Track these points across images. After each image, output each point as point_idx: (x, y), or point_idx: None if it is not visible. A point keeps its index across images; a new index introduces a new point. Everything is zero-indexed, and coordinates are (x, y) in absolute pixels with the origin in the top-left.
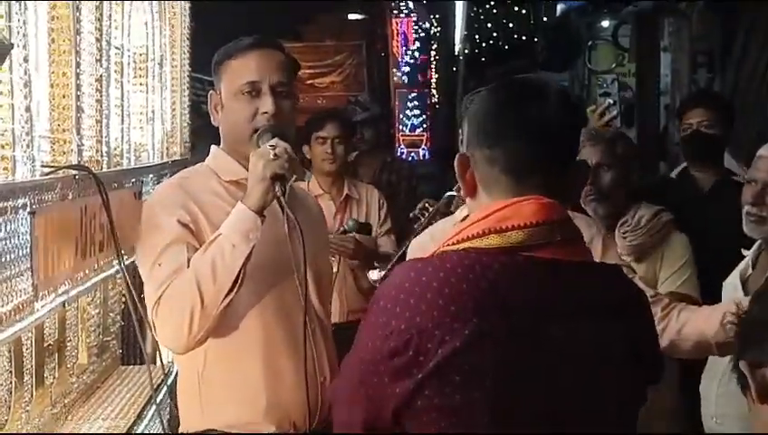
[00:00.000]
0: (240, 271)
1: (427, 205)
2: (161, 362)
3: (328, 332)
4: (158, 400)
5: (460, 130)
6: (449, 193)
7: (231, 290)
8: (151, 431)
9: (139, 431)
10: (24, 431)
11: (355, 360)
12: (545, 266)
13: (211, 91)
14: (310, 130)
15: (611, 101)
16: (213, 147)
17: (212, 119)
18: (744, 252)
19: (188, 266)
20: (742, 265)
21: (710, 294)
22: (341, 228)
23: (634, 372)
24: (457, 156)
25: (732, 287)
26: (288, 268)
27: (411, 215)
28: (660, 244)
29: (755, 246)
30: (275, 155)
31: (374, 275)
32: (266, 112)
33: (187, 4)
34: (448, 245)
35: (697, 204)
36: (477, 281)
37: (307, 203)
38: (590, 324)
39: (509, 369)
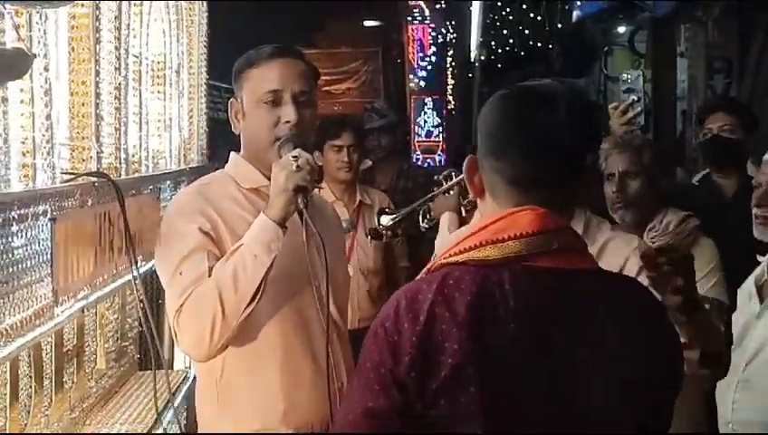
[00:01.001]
0: (262, 281)
1: (453, 174)
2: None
3: (345, 338)
4: (175, 404)
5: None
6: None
7: (252, 300)
8: None
9: None
10: None
11: (358, 389)
12: (543, 275)
13: (231, 99)
14: (323, 137)
15: (635, 98)
16: (232, 154)
17: (232, 127)
18: (760, 258)
19: (209, 275)
20: (757, 270)
21: (733, 301)
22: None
23: (645, 377)
24: (467, 159)
25: (747, 294)
26: (307, 277)
27: (435, 178)
28: (687, 249)
29: None
30: (298, 166)
31: (385, 220)
32: (288, 121)
33: (205, 13)
34: (447, 257)
35: (721, 210)
36: (479, 293)
37: (325, 211)
38: (592, 330)
39: (514, 377)
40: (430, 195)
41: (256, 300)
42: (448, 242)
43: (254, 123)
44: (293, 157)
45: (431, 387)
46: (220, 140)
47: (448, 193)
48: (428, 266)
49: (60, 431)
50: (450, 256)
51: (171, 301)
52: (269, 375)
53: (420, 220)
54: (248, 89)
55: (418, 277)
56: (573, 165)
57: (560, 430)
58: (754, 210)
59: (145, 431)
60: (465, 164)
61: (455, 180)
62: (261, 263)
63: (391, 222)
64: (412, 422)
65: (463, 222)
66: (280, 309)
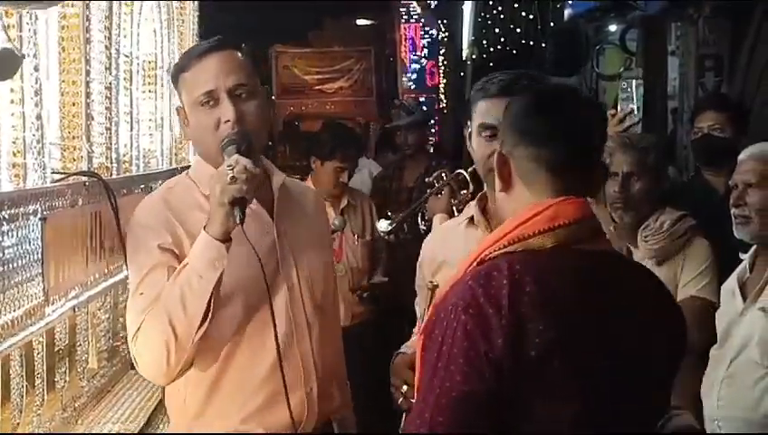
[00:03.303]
0: (210, 300)
1: (443, 175)
2: None
3: (328, 336)
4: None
5: (467, 134)
6: (459, 171)
7: (203, 320)
8: None
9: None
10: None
11: (440, 373)
12: (592, 256)
13: (177, 106)
14: (331, 151)
15: (633, 107)
16: (196, 156)
17: (183, 135)
18: (742, 256)
19: None
20: (739, 268)
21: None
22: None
23: (669, 344)
24: (497, 155)
25: (730, 291)
26: (271, 279)
27: (427, 180)
28: (682, 248)
29: (752, 250)
30: (233, 178)
31: (383, 225)
32: (228, 121)
33: (196, 13)
34: (500, 247)
35: (712, 207)
36: (546, 277)
37: (304, 200)
38: (635, 301)
39: (587, 350)
40: (424, 197)
41: (208, 319)
42: (431, 235)
43: (197, 128)
44: (229, 166)
45: (521, 367)
46: None
47: (439, 194)
48: (475, 257)
49: (52, 430)
50: (503, 246)
51: (130, 323)
52: (231, 383)
53: (420, 222)
54: (185, 94)
55: (471, 268)
56: (596, 153)
57: (622, 390)
58: (732, 210)
59: (137, 431)
60: (495, 160)
61: (444, 181)
62: (206, 281)
63: (389, 227)
64: (505, 404)
65: None
66: (242, 315)
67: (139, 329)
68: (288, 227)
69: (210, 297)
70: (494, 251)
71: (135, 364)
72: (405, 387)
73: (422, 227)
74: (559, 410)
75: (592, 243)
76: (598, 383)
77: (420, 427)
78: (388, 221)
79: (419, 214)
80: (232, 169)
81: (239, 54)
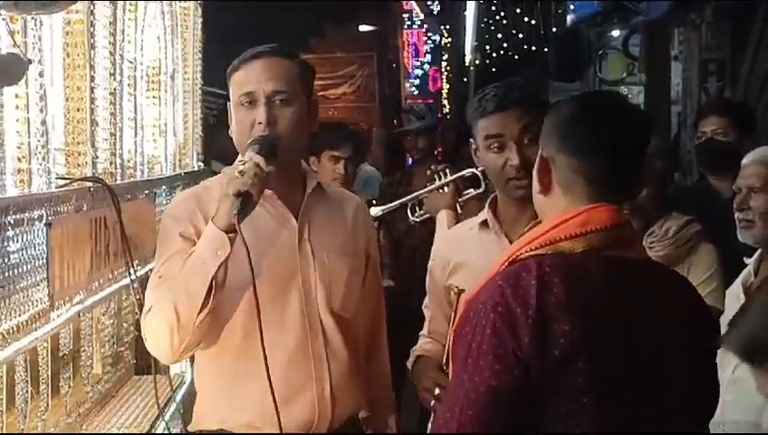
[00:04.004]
0: (211, 287)
1: (447, 170)
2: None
3: (344, 341)
4: (170, 409)
5: (471, 140)
6: (470, 169)
7: (204, 305)
8: None
9: None
10: None
11: (470, 369)
12: (622, 263)
13: (229, 104)
14: (322, 145)
15: None
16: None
17: (230, 130)
18: (747, 260)
19: None
20: (744, 273)
21: None
22: None
23: (700, 345)
24: (538, 157)
25: (735, 296)
26: (289, 280)
27: (428, 172)
28: (688, 255)
29: (756, 254)
30: (240, 172)
31: (374, 211)
32: (260, 123)
33: (199, 19)
34: (530, 249)
35: (716, 212)
36: (573, 280)
37: (343, 206)
38: (661, 308)
39: (611, 352)
40: (425, 190)
41: (209, 306)
42: (440, 238)
43: (236, 126)
44: (241, 162)
45: (546, 366)
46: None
47: (443, 190)
48: (507, 258)
49: None
50: (535, 248)
51: (145, 305)
52: (239, 381)
53: (410, 214)
54: (232, 92)
55: (502, 269)
56: (639, 166)
57: (647, 391)
58: (736, 214)
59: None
60: (537, 164)
61: (450, 178)
62: (207, 268)
63: (380, 213)
64: (531, 401)
65: (459, 219)
66: (254, 311)
67: (149, 310)
68: (314, 230)
69: (211, 284)
70: (526, 252)
71: (144, 341)
72: (437, 390)
73: (413, 220)
74: (581, 410)
75: (624, 249)
76: (619, 387)
77: (450, 421)
78: (381, 207)
79: (409, 207)
80: (243, 164)
81: (288, 62)
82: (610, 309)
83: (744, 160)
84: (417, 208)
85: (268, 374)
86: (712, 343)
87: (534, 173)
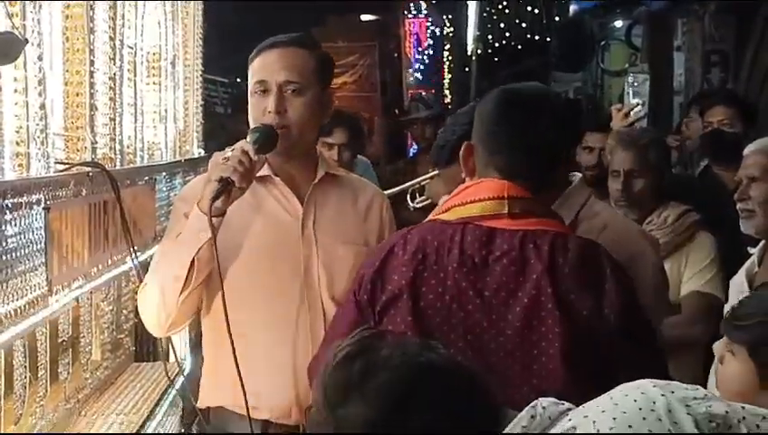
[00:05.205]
0: (191, 267)
1: None
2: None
3: None
4: (171, 395)
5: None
6: None
7: (186, 286)
8: (164, 426)
9: (152, 426)
10: (38, 425)
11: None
12: (487, 232)
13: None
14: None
15: (640, 103)
16: None
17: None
18: (751, 250)
19: None
20: (748, 263)
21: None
22: None
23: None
24: (465, 143)
25: (738, 286)
26: (292, 266)
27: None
28: (686, 243)
29: (761, 244)
30: (225, 158)
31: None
32: (270, 111)
33: (200, 6)
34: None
35: (722, 203)
36: (429, 242)
37: (358, 195)
38: (521, 282)
39: (442, 313)
40: (426, 176)
41: (190, 286)
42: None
43: (250, 112)
44: (231, 148)
45: (375, 310)
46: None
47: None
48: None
49: (55, 421)
50: (433, 216)
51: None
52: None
53: (410, 200)
54: (250, 79)
55: None
56: (553, 159)
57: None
58: (738, 204)
59: (141, 421)
60: (463, 148)
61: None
62: (188, 248)
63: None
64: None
65: None
66: (257, 295)
67: (145, 285)
68: (321, 218)
69: (192, 264)
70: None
71: (140, 314)
72: None
73: (413, 206)
74: None
75: (510, 222)
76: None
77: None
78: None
79: (409, 193)
80: (231, 151)
81: (304, 52)
82: (450, 272)
83: (746, 151)
84: (418, 195)
85: (236, 359)
86: (610, 322)
87: (460, 158)
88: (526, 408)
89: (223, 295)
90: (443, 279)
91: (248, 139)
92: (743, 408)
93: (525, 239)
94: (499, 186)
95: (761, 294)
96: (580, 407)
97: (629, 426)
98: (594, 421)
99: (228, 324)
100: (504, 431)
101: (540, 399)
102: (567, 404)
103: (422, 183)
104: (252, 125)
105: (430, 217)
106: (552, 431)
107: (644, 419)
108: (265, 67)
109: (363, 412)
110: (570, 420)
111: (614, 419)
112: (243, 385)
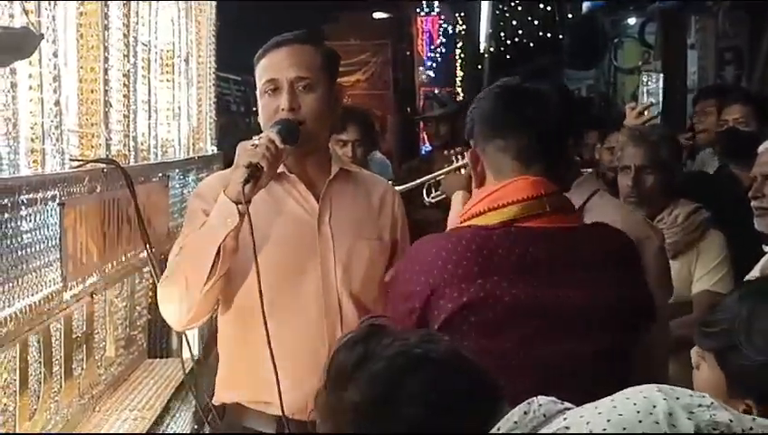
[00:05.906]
0: (216, 254)
1: (465, 151)
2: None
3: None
4: (185, 391)
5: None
6: None
7: (212, 274)
8: (178, 422)
9: (165, 423)
10: (52, 421)
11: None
12: (537, 234)
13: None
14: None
15: (653, 101)
16: None
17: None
18: (766, 248)
19: None
20: (763, 260)
21: None
22: None
23: (625, 314)
24: (470, 151)
25: None
26: (307, 261)
27: (445, 153)
28: (696, 242)
29: None
30: (253, 145)
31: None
32: (284, 109)
33: (214, 3)
34: (461, 223)
35: (739, 201)
36: (479, 249)
37: (371, 190)
38: (580, 278)
39: (508, 320)
40: (442, 171)
41: (215, 274)
42: (453, 218)
43: (262, 113)
44: (258, 137)
45: (438, 322)
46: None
47: (460, 171)
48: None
49: (69, 417)
50: (461, 222)
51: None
52: (252, 355)
53: (425, 195)
54: (258, 80)
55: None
56: (561, 142)
57: (548, 363)
58: (753, 202)
59: (154, 417)
60: (469, 156)
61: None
62: (216, 236)
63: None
64: None
65: None
66: (274, 289)
67: (166, 277)
68: (336, 213)
69: (219, 251)
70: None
71: (160, 307)
72: None
73: (429, 201)
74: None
75: (548, 220)
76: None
77: None
78: (399, 187)
79: (425, 188)
80: (259, 139)
81: (311, 48)
82: (507, 278)
83: (760, 148)
84: (434, 190)
85: (273, 357)
86: (637, 303)
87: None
88: (520, 404)
89: (259, 281)
90: (502, 288)
91: (271, 129)
92: (753, 419)
93: (580, 236)
94: (532, 184)
95: (727, 301)
96: (580, 407)
97: (624, 428)
98: (588, 422)
99: (264, 314)
100: (495, 427)
101: (538, 396)
102: (566, 404)
103: (438, 178)
104: (264, 126)
105: (455, 221)
106: (545, 430)
107: (640, 421)
108: (274, 66)
109: (353, 398)
110: (565, 419)
111: (608, 420)
112: (277, 376)
